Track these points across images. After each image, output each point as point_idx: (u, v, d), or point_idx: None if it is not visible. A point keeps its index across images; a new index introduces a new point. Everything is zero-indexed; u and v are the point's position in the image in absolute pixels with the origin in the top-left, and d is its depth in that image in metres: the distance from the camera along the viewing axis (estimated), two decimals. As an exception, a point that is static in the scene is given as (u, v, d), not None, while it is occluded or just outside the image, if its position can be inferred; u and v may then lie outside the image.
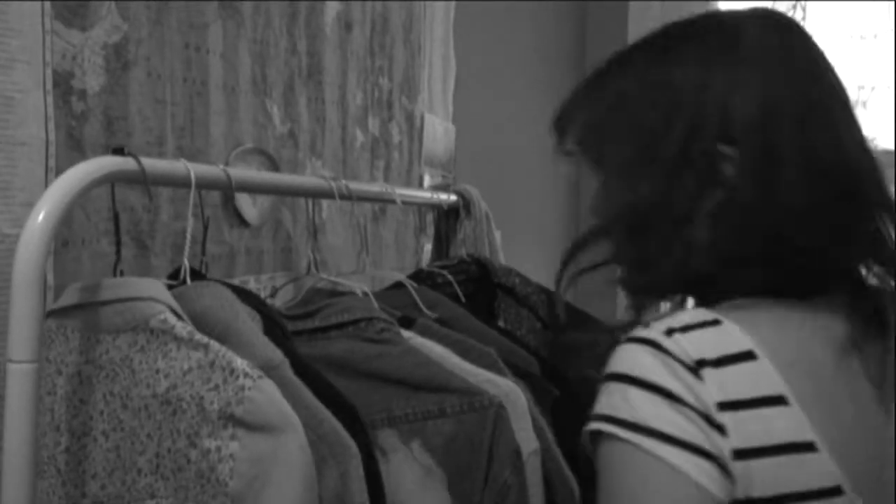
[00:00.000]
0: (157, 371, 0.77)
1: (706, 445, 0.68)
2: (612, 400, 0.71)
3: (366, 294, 1.10)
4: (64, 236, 1.06)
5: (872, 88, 2.51)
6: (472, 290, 1.38)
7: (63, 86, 1.06)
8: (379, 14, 1.70)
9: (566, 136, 0.88)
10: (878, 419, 0.76)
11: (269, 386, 0.75)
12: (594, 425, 0.72)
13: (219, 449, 0.74)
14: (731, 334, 0.73)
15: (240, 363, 0.75)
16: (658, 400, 0.69)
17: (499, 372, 1.04)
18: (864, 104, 2.50)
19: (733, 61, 0.78)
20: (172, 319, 0.79)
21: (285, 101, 1.45)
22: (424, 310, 1.16)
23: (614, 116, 0.83)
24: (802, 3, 2.61)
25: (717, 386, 0.70)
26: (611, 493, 0.71)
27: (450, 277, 1.34)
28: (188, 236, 0.87)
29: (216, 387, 0.75)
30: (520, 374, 1.08)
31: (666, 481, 0.68)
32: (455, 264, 1.41)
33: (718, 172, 0.77)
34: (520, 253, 2.27)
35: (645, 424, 0.69)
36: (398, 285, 1.23)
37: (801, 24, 0.82)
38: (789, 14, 2.85)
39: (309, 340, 1.01)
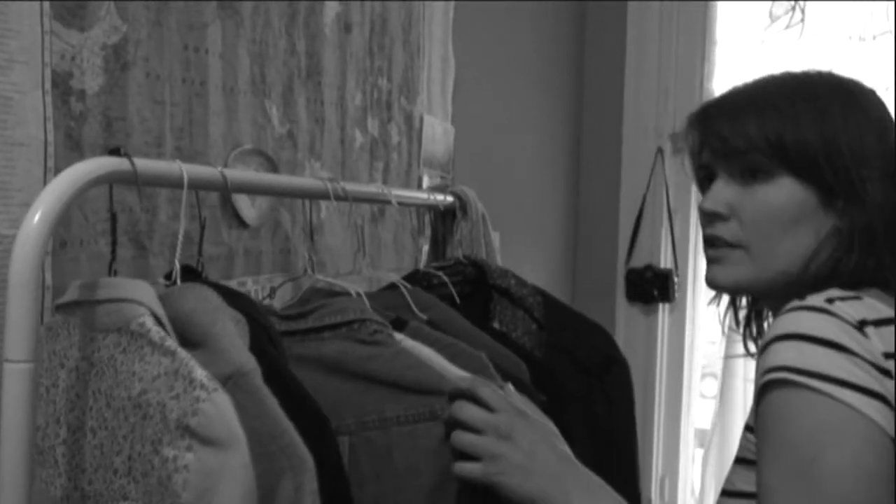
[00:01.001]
0: (134, 374, 0.78)
1: (878, 388, 0.79)
2: (787, 355, 0.81)
3: (359, 295, 1.09)
4: (62, 237, 1.06)
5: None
6: (469, 292, 1.37)
7: (62, 86, 1.06)
8: (378, 15, 1.70)
9: (718, 137, 0.99)
10: None
11: (222, 400, 0.75)
12: (770, 376, 0.81)
13: (175, 458, 0.74)
14: (874, 304, 0.86)
15: (199, 373, 0.75)
16: (832, 352, 0.80)
17: (488, 377, 1.04)
18: (863, 106, 2.50)
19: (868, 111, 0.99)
20: (150, 323, 0.79)
21: (284, 102, 1.45)
22: (417, 312, 1.16)
23: (823, 138, 0.96)
24: (801, 3, 2.61)
25: (879, 340, 0.82)
26: (788, 436, 0.80)
27: (445, 279, 1.34)
28: (180, 237, 0.88)
29: (177, 396, 0.75)
30: (508, 379, 1.08)
31: (845, 420, 0.78)
32: (451, 265, 1.41)
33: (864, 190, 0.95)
34: (519, 254, 2.27)
35: (822, 372, 0.79)
36: (393, 286, 1.23)
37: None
38: (787, 15, 2.83)
39: (303, 341, 1.01)
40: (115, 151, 0.82)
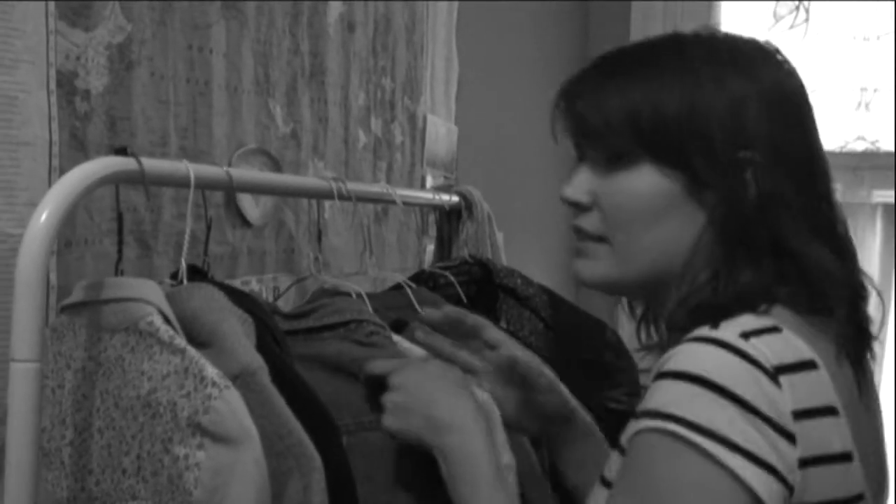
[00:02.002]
0: (143, 373, 0.78)
1: (772, 459, 0.68)
2: (680, 400, 0.69)
3: (360, 296, 1.09)
4: (67, 236, 1.06)
5: (875, 90, 2.50)
6: (475, 292, 1.37)
7: (67, 86, 1.06)
8: (382, 15, 1.70)
9: (576, 118, 0.87)
10: (875, 430, 0.81)
11: (233, 397, 0.74)
12: (657, 424, 0.70)
13: (186, 457, 0.74)
14: (793, 342, 0.73)
15: (210, 371, 0.75)
16: (732, 407, 0.68)
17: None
18: (867, 106, 2.50)
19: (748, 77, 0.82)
20: (158, 322, 0.79)
21: (288, 102, 1.45)
22: (421, 312, 1.15)
23: (681, 116, 0.81)
24: (805, 3, 2.61)
25: (791, 394, 0.69)
26: (658, 490, 0.70)
27: (451, 278, 1.34)
28: (187, 237, 0.87)
29: (188, 394, 0.75)
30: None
31: (726, 491, 0.67)
32: (457, 265, 1.41)
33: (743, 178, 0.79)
34: (522, 254, 2.27)
35: (715, 430, 0.67)
36: (399, 287, 1.23)
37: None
38: (792, 15, 2.81)
39: (305, 340, 1.00)
40: (121, 151, 0.82)
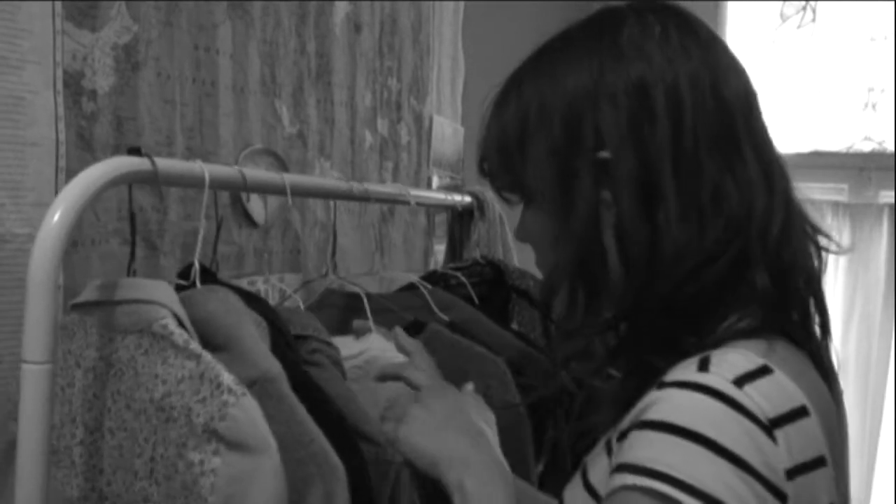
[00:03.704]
0: (156, 376, 0.77)
1: None
2: (668, 455, 0.62)
3: (370, 296, 1.07)
4: (73, 237, 1.05)
5: (882, 91, 2.49)
6: (486, 293, 1.36)
7: (73, 86, 1.06)
8: (388, 15, 1.70)
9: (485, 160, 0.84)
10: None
11: (250, 404, 0.74)
12: (644, 481, 0.62)
13: (202, 462, 0.73)
14: (786, 386, 0.66)
15: (226, 377, 0.74)
16: (724, 464, 0.61)
17: (504, 383, 1.01)
18: (874, 106, 2.49)
19: (611, 60, 0.74)
20: (172, 325, 0.78)
21: (294, 102, 1.45)
22: (438, 312, 1.15)
23: (525, 136, 0.76)
24: (812, 3, 2.60)
25: (786, 449, 0.63)
26: None
27: (463, 279, 1.33)
28: (200, 237, 0.86)
29: (203, 399, 0.74)
30: (523, 386, 1.06)
31: None
32: (469, 266, 1.40)
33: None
34: (532, 255, 2.26)
35: (707, 491, 0.61)
36: (411, 287, 1.22)
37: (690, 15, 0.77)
38: (798, 15, 2.78)
39: None
40: (134, 151, 0.81)
